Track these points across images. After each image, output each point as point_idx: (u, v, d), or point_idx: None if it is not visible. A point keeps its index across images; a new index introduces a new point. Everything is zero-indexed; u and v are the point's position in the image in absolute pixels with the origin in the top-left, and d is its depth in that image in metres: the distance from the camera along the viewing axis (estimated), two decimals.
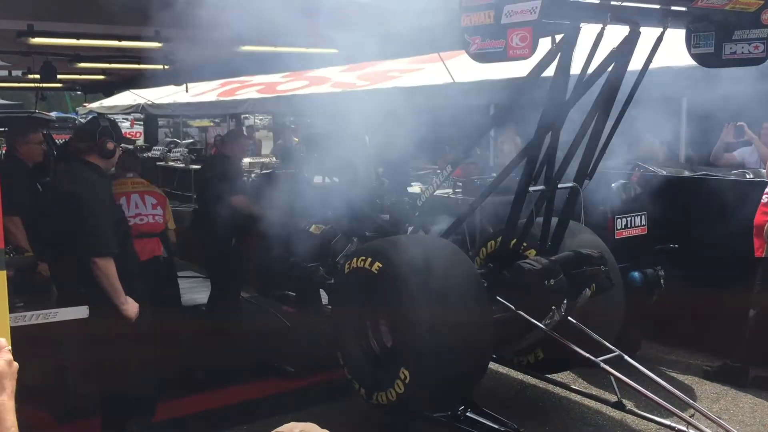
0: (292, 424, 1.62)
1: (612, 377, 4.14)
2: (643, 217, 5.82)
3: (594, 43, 3.97)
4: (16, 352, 2.32)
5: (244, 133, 13.72)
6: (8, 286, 2.33)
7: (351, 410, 4.78)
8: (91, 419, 4.27)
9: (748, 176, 6.13)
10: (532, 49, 3.32)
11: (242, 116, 17.86)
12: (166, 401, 4.70)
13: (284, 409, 4.77)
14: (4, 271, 2.31)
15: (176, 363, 5.21)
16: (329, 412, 4.78)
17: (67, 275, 3.98)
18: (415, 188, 7.59)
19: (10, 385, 1.56)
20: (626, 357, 4.35)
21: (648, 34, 4.03)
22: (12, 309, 2.39)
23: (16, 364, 1.59)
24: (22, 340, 2.60)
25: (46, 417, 4.70)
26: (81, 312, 3.78)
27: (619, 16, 3.76)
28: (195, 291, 6.08)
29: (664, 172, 6.49)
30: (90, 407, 4.27)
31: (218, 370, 5.38)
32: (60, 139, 15.33)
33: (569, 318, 4.45)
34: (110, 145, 4.02)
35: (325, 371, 5.30)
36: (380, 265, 4.25)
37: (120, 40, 6.35)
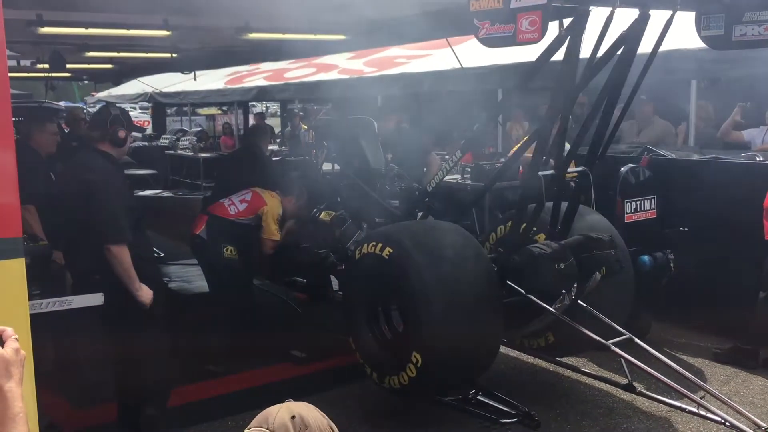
0: (288, 403, 1.70)
1: (622, 360, 4.15)
2: (652, 200, 5.82)
3: (603, 26, 3.97)
4: (33, 338, 2.37)
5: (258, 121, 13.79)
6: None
7: (363, 394, 4.82)
8: (107, 404, 4.33)
9: (758, 159, 6.11)
10: (542, 33, 3.33)
11: (250, 104, 17.89)
12: (179, 386, 4.76)
13: (296, 393, 4.78)
14: (23, 259, 2.35)
15: (190, 350, 5.28)
16: (341, 396, 4.84)
17: (82, 263, 4.02)
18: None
19: (18, 373, 1.58)
20: (636, 340, 4.37)
21: (657, 17, 4.02)
22: (28, 296, 2.43)
23: (23, 352, 1.62)
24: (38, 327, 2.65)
25: (63, 402, 4.77)
26: (96, 299, 3.82)
27: None
28: (202, 278, 6.11)
29: (674, 156, 6.47)
30: (106, 392, 4.32)
31: (230, 356, 5.43)
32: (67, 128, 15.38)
33: (579, 302, 4.47)
34: (121, 133, 4.04)
35: (337, 356, 5.35)
36: (391, 251, 4.28)
37: (128, 28, 6.37)
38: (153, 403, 4.10)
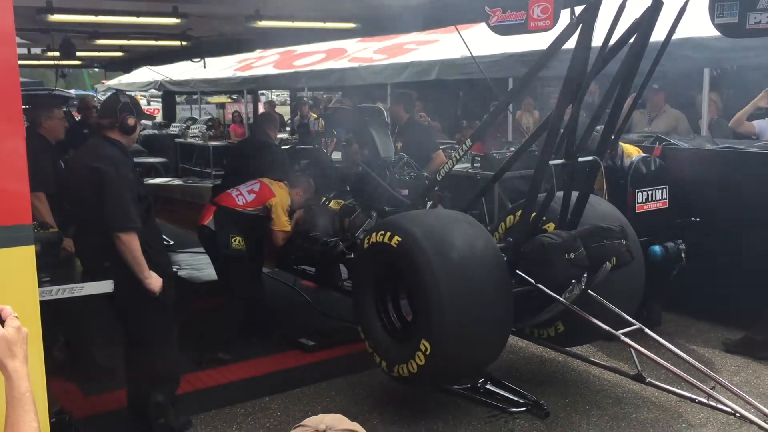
0: (320, 416, 1.54)
1: (632, 350, 4.13)
2: (664, 190, 5.78)
3: (616, 14, 3.92)
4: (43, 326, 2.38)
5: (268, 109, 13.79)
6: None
7: (372, 383, 4.83)
8: (117, 391, 4.35)
9: None
10: (554, 21, 3.30)
11: (259, 92, 17.86)
12: (189, 374, 4.78)
13: (306, 381, 4.83)
14: (33, 246, 2.36)
15: (199, 338, 5.30)
16: (350, 384, 4.84)
17: (92, 250, 4.03)
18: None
19: (21, 351, 1.55)
20: (646, 330, 4.35)
21: (670, 4, 3.97)
22: (38, 283, 2.44)
23: (25, 330, 1.58)
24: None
25: (73, 389, 4.80)
26: (106, 286, 3.83)
27: None
28: (211, 266, 6.13)
29: (686, 145, 6.43)
30: (116, 380, 4.34)
31: (239, 344, 5.45)
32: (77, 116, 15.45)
33: (589, 292, 4.45)
34: (131, 121, 4.04)
35: (346, 344, 5.36)
36: (399, 239, 4.27)
37: (138, 16, 6.37)
38: (162, 390, 4.12)
